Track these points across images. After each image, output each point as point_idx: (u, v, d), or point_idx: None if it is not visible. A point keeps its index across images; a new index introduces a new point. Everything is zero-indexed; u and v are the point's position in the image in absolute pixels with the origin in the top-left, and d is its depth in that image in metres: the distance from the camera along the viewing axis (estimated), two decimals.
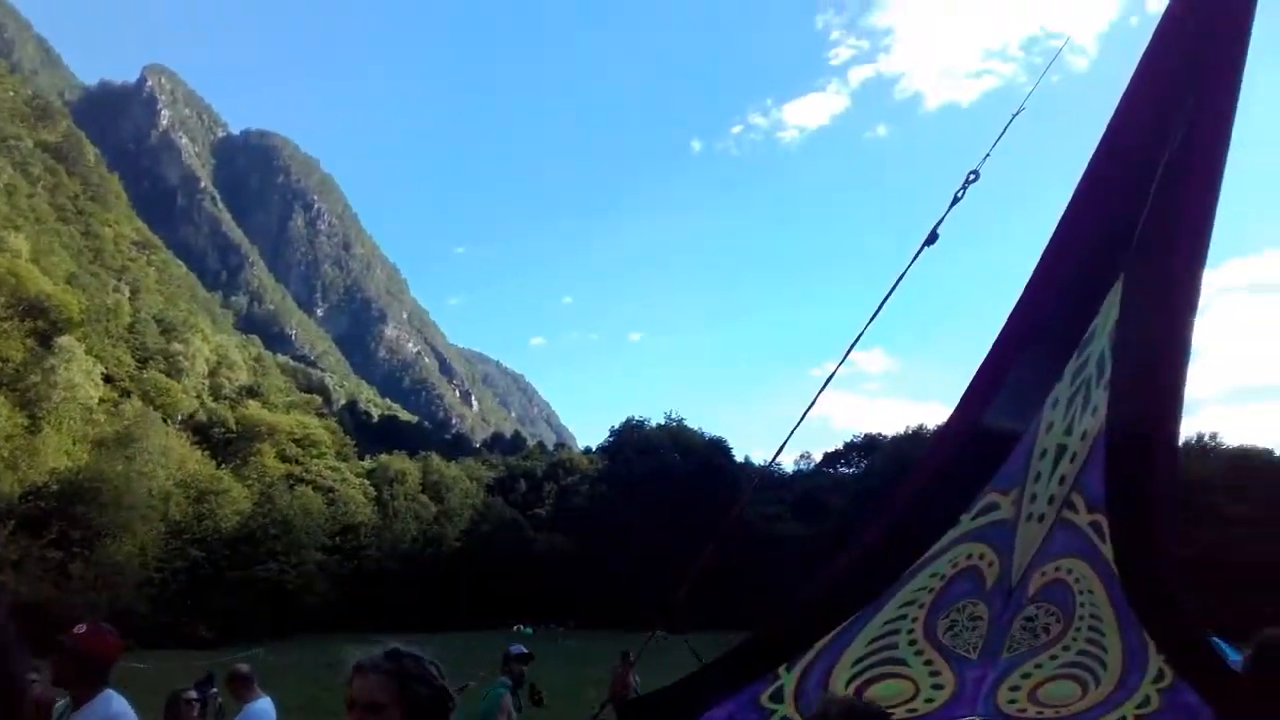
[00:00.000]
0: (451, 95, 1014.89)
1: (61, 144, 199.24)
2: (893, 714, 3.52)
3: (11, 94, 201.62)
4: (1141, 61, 2.76)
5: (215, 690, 17.03)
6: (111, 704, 5.01)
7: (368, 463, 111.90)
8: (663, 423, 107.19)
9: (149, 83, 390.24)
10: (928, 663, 3.46)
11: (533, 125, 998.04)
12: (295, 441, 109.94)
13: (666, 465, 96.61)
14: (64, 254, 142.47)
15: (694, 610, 60.48)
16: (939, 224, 3.12)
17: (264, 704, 8.37)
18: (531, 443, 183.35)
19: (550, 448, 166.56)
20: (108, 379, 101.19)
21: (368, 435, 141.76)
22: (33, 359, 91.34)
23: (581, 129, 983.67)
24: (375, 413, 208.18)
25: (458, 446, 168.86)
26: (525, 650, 10.39)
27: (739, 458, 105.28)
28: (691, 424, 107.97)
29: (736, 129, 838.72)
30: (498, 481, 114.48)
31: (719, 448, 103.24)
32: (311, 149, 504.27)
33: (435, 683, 2.46)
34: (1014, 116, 3.24)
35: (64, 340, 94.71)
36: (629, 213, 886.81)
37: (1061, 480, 3.21)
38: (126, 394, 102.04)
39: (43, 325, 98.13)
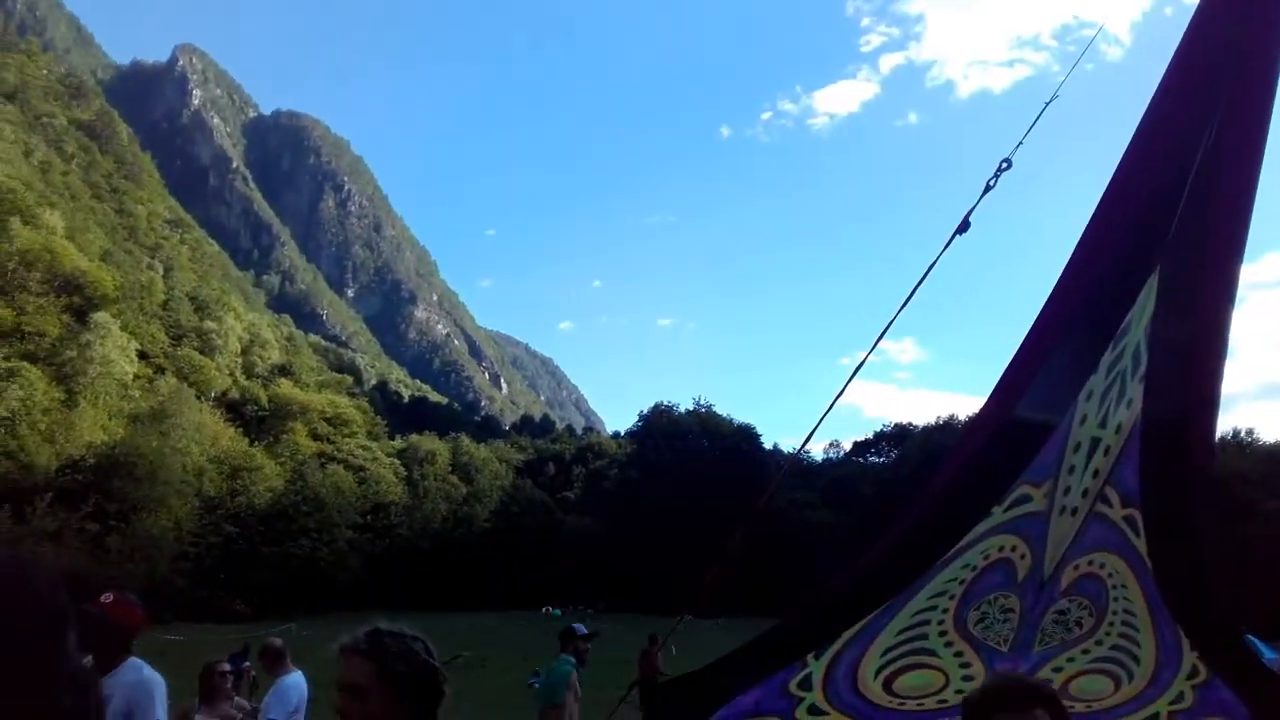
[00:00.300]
0: (482, 78, 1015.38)
1: (94, 122, 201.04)
2: (923, 704, 3.53)
3: (45, 72, 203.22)
4: (1177, 51, 2.73)
5: (248, 663, 17.25)
6: (142, 670, 5.13)
7: (398, 443, 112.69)
8: (691, 408, 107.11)
9: (180, 62, 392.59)
10: (958, 654, 3.45)
11: (563, 109, 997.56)
12: (327, 420, 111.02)
13: (695, 451, 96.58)
14: (98, 231, 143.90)
15: (722, 595, 60.64)
16: (971, 212, 3.10)
17: (295, 678, 8.55)
18: (560, 426, 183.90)
19: (579, 431, 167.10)
20: (142, 355, 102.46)
21: (398, 416, 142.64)
22: (69, 334, 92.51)
23: (611, 113, 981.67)
24: (405, 393, 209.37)
25: (487, 428, 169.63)
26: (586, 630, 10.47)
27: (767, 445, 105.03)
28: (720, 410, 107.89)
29: (766, 116, 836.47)
30: (527, 464, 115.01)
31: (747, 434, 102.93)
32: (342, 130, 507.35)
33: (418, 660, 2.41)
34: (1047, 105, 3.21)
35: (99, 316, 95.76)
36: (658, 198, 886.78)
37: (1095, 473, 3.19)
38: (161, 370, 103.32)
39: (78, 301, 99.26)
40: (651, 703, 3.81)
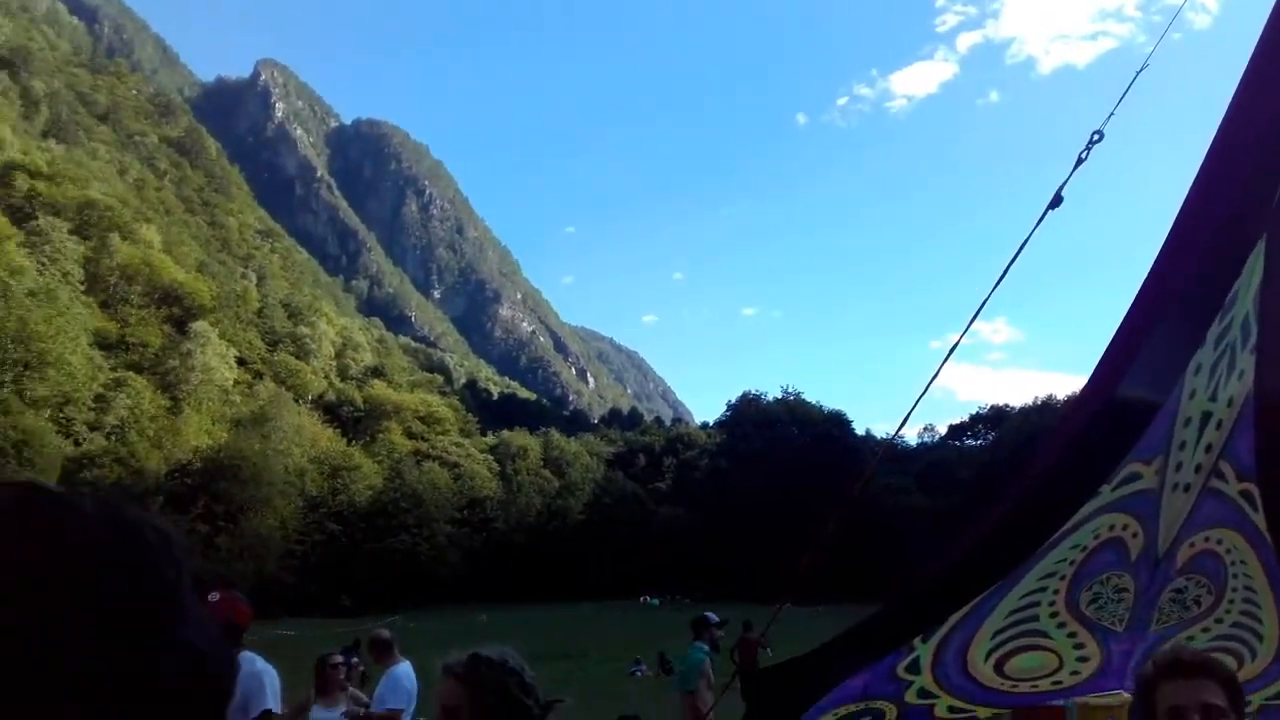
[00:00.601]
0: (555, 78, 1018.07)
1: (184, 139, 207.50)
2: (1037, 686, 3.50)
3: (134, 92, 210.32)
4: (1272, 13, 2.66)
5: (356, 659, 17.66)
6: (255, 663, 5.38)
7: (490, 439, 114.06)
8: (780, 397, 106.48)
9: (262, 76, 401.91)
10: (1071, 635, 3.41)
11: (636, 103, 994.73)
12: (420, 419, 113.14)
13: (785, 439, 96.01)
14: (193, 243, 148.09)
15: (816, 583, 60.22)
16: (1063, 186, 3.06)
17: (405, 667, 8.71)
18: (648, 418, 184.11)
19: (667, 423, 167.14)
20: (241, 362, 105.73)
21: (488, 412, 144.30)
22: (170, 344, 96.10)
23: (685, 105, 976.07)
24: (494, 390, 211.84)
25: (576, 423, 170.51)
26: (718, 618, 10.57)
27: (859, 431, 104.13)
28: (809, 398, 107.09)
29: (842, 101, 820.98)
30: (617, 456, 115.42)
31: (838, 421, 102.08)
32: (420, 135, 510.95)
33: (510, 695, 2.48)
34: (1137, 75, 3.15)
35: (198, 325, 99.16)
36: (736, 188, 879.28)
37: (1208, 449, 3.11)
38: (259, 376, 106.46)
39: (177, 312, 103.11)
40: (753, 689, 3.85)
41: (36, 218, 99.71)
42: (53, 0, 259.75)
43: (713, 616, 10.57)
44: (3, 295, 78.34)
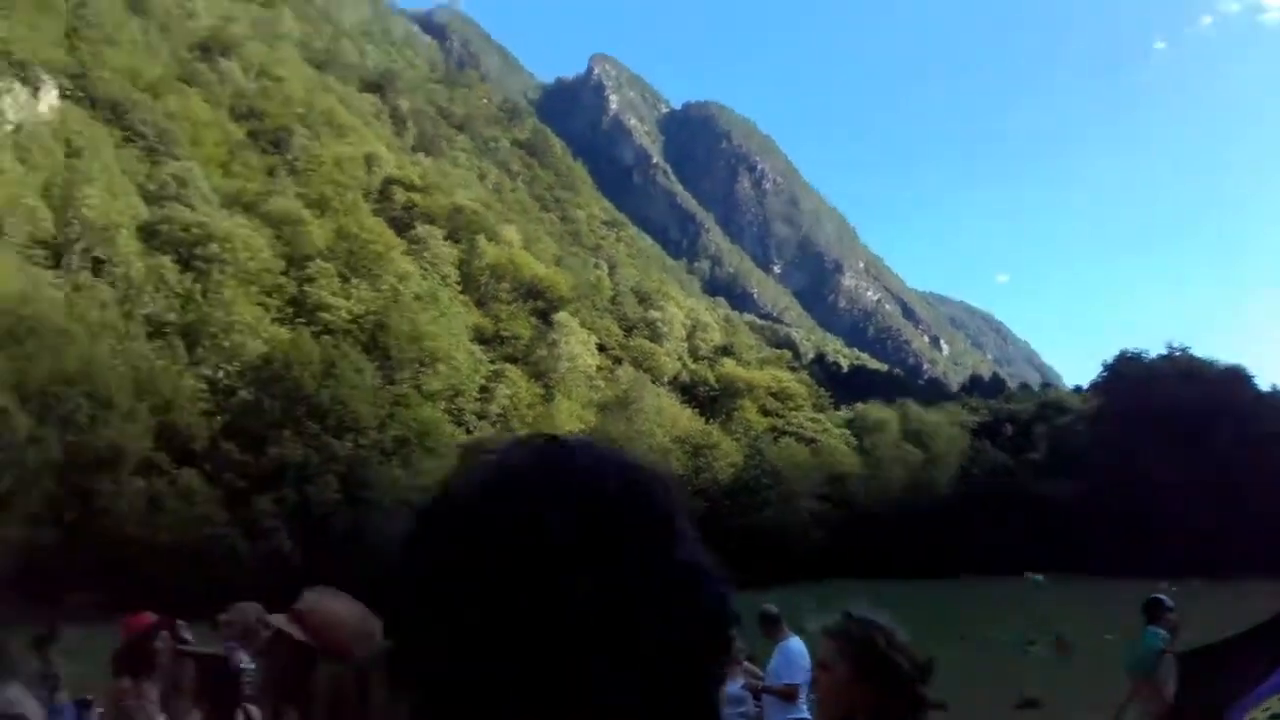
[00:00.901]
0: (871, 35, 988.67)
1: (531, 140, 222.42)
2: None
3: (485, 101, 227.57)
4: None
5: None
6: None
7: (845, 413, 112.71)
8: (1164, 353, 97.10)
9: (595, 71, 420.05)
10: None
11: (969, 57, 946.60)
12: (773, 395, 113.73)
13: (1174, 399, 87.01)
14: (548, 239, 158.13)
15: (1239, 556, 53.86)
16: None
17: (796, 642, 8.89)
18: (1012, 384, 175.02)
19: (1035, 388, 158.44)
20: (600, 348, 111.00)
21: (839, 386, 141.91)
22: (538, 335, 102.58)
23: (1026, 52, 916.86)
24: (844, 363, 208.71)
25: (933, 392, 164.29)
26: (1170, 602, 10.19)
27: (1263, 386, 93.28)
28: (1198, 352, 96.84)
29: (1206, 20, 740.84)
30: (982, 426, 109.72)
31: (1237, 376, 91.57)
32: (746, 112, 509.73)
33: (875, 647, 2.59)
34: None
35: (560, 316, 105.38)
36: (1089, 128, 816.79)
37: None
38: (618, 361, 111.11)
39: (541, 305, 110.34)
40: (1179, 671, 3.53)
41: (415, 226, 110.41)
42: (408, 23, 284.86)
43: (1167, 601, 10.20)
44: (395, 300, 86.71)
